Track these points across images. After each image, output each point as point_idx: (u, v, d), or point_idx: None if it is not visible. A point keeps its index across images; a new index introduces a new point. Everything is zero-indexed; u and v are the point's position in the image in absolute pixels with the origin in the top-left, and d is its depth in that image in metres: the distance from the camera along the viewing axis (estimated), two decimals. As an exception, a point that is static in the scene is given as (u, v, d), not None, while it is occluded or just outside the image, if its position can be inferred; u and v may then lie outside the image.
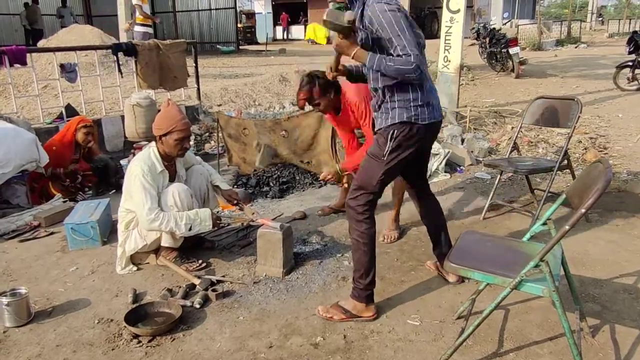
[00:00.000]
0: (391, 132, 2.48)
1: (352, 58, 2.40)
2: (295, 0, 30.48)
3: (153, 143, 3.18)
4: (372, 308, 2.63)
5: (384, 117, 2.53)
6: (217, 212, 3.69)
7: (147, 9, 9.08)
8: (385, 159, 2.51)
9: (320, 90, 3.22)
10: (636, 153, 5.50)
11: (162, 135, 3.08)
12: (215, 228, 3.18)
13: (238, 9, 21.47)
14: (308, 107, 3.48)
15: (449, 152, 5.07)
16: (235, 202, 3.43)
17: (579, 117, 3.71)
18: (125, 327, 2.53)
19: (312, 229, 3.78)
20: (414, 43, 2.30)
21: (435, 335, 2.47)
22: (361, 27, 2.42)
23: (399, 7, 2.38)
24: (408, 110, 2.46)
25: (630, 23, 33.57)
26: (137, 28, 8.97)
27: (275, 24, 32.29)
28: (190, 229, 3.01)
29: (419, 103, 2.46)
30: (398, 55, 2.30)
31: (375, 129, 2.64)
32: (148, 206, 2.95)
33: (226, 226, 3.80)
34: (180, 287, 2.94)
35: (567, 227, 1.88)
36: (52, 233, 3.85)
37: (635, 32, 10.00)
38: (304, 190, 4.69)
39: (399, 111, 2.47)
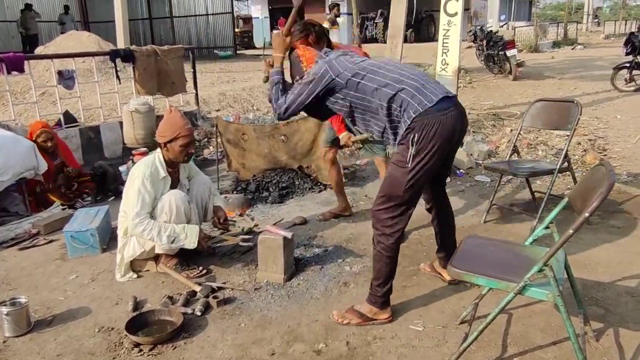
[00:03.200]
0: (411, 137, 2.34)
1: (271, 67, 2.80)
2: (292, 5, 30.51)
3: (158, 149, 3.18)
4: (388, 310, 2.62)
5: (399, 132, 2.42)
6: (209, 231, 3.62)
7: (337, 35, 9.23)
8: (409, 165, 2.36)
9: (316, 37, 3.23)
10: (635, 154, 5.50)
11: (167, 142, 3.08)
12: (202, 248, 3.14)
13: (235, 14, 21.49)
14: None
15: (448, 155, 5.06)
16: (223, 223, 3.38)
17: (579, 119, 3.70)
18: (126, 335, 2.51)
19: (313, 235, 3.76)
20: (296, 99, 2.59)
21: (439, 341, 2.45)
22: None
23: (328, 69, 2.52)
24: (412, 107, 2.34)
25: (626, 24, 33.72)
26: None
27: (272, 28, 32.29)
28: (173, 242, 3.01)
29: (411, 95, 2.36)
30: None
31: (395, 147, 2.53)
32: (137, 210, 2.95)
33: (217, 245, 3.57)
34: (180, 294, 2.92)
35: (570, 232, 1.87)
36: (51, 241, 3.83)
37: (632, 33, 10.05)
38: (303, 195, 4.67)
39: (406, 116, 2.36)
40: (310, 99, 2.56)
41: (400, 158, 2.41)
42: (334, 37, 9.01)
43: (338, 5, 9.44)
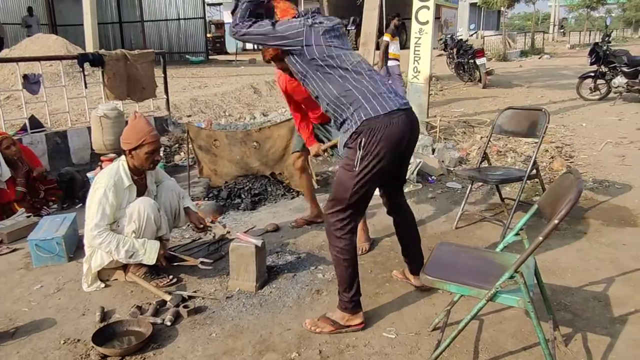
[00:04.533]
0: (359, 141, 2.35)
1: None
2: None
3: (123, 156, 3.10)
4: (360, 315, 2.61)
5: (347, 133, 2.43)
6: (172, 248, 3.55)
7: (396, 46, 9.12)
8: (356, 169, 2.38)
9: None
10: (601, 161, 5.64)
11: (132, 149, 3.01)
12: (161, 265, 3.09)
13: (207, 19, 21.36)
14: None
15: (420, 162, 5.11)
16: (202, 227, 3.36)
17: (547, 127, 3.78)
18: (93, 347, 2.45)
19: (285, 242, 3.74)
20: (255, 34, 2.49)
21: (411, 348, 2.45)
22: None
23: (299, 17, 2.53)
24: (363, 109, 2.36)
25: (590, 35, 34.77)
26: (391, 63, 9.02)
27: (244, 34, 32.17)
28: (131, 257, 2.96)
29: (366, 99, 2.37)
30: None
31: (344, 146, 2.51)
32: (95, 222, 2.89)
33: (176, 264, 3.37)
34: (150, 304, 2.85)
35: (540, 239, 1.90)
36: (15, 250, 3.71)
37: (596, 43, 10.33)
38: (276, 202, 4.65)
39: (356, 116, 2.37)
40: (268, 44, 2.58)
41: (348, 162, 2.43)
42: (392, 47, 8.83)
43: (399, 14, 9.27)
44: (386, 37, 8.92)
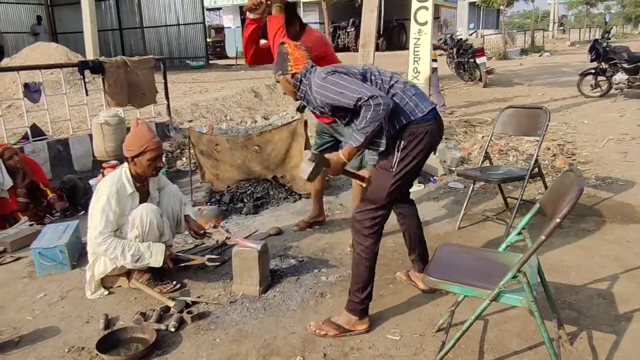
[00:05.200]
0: (399, 143, 2.44)
1: (349, 160, 2.49)
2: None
3: (125, 163, 3.11)
4: (366, 321, 2.62)
5: (382, 136, 2.46)
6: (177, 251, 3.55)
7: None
8: (394, 169, 2.46)
9: (287, 22, 3.29)
10: (603, 158, 5.62)
11: (134, 157, 3.01)
12: (167, 267, 3.09)
13: (207, 24, 21.40)
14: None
15: (422, 162, 5.09)
16: (201, 234, 3.36)
17: (548, 125, 3.77)
18: (97, 355, 2.45)
19: (288, 245, 3.74)
20: (360, 86, 2.33)
21: (416, 350, 2.45)
22: (317, 105, 2.53)
23: (338, 70, 2.43)
24: (402, 114, 2.42)
25: (590, 31, 34.74)
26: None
27: (244, 37, 32.26)
28: (137, 261, 2.95)
29: (404, 102, 2.43)
30: (360, 108, 2.31)
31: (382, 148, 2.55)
32: (99, 229, 2.89)
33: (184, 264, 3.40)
34: (154, 310, 2.85)
35: (542, 238, 1.89)
36: (18, 258, 3.72)
37: (596, 40, 10.31)
38: (278, 206, 4.64)
39: (395, 121, 2.43)
40: (350, 81, 2.38)
41: (385, 163, 2.50)
42: None
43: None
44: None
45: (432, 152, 2.79)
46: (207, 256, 3.27)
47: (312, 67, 2.56)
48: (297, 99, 2.72)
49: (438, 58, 9.42)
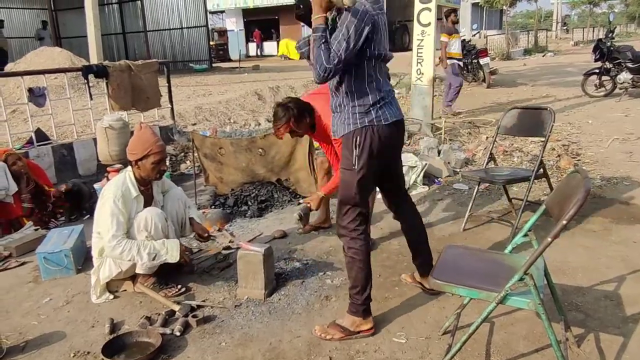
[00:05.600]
0: (354, 139, 2.48)
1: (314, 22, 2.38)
2: (267, 17, 30.64)
3: (129, 167, 3.11)
4: (370, 321, 2.61)
5: (345, 123, 2.51)
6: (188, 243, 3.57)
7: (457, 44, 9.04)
8: (355, 167, 2.50)
9: (297, 119, 3.16)
10: (608, 158, 5.60)
11: (138, 160, 3.02)
12: (184, 261, 3.10)
13: (210, 27, 21.46)
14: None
15: (426, 164, 5.09)
16: (206, 237, 3.36)
17: (553, 125, 3.75)
18: (102, 359, 2.44)
19: (293, 248, 3.73)
20: (342, 49, 2.29)
21: (422, 353, 2.43)
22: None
23: (365, 18, 2.33)
24: (369, 114, 2.47)
25: (593, 31, 34.65)
26: (450, 62, 8.97)
27: (247, 40, 32.37)
28: (154, 259, 2.95)
29: (379, 105, 2.48)
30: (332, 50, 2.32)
31: (337, 136, 2.60)
32: (112, 232, 2.88)
33: (198, 257, 3.61)
34: (159, 314, 2.85)
35: (549, 240, 1.88)
36: (23, 263, 3.71)
37: (600, 40, 10.28)
38: (283, 208, 4.64)
39: (359, 116, 2.48)
40: (358, 40, 2.31)
41: (346, 162, 2.55)
42: (454, 46, 8.82)
43: (455, 10, 9.21)
44: (443, 38, 8.76)
45: (392, 150, 2.76)
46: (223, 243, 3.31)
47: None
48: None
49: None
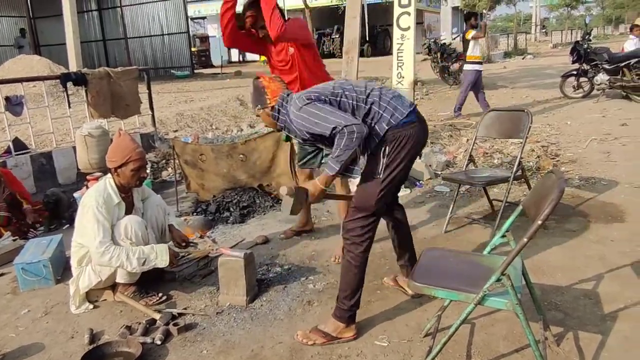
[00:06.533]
0: (383, 148, 2.45)
1: (326, 186, 2.51)
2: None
3: (109, 174, 3.08)
4: (353, 328, 2.61)
5: (370, 144, 2.49)
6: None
7: (477, 47, 8.70)
8: (381, 176, 2.47)
9: None
10: (586, 159, 5.68)
11: (118, 167, 2.99)
12: (173, 265, 3.07)
13: (191, 33, 21.37)
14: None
15: (407, 167, 5.11)
16: (184, 245, 3.33)
17: (530, 127, 3.80)
18: (82, 370, 2.41)
19: (275, 253, 3.72)
20: (335, 115, 2.35)
21: (404, 356, 2.44)
22: (297, 134, 2.57)
23: (312, 97, 2.44)
24: (384, 120, 2.45)
25: (571, 33, 35.20)
26: (468, 67, 8.74)
27: (229, 46, 32.25)
28: (143, 264, 2.91)
29: (384, 108, 2.46)
30: (334, 136, 2.35)
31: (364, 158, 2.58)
32: (99, 239, 2.84)
33: (185, 260, 3.62)
34: (140, 323, 2.81)
35: (525, 240, 1.90)
36: (1, 274, 3.66)
37: (577, 42, 10.44)
38: (265, 214, 4.63)
39: (377, 128, 2.45)
40: (327, 111, 2.39)
41: (372, 170, 2.50)
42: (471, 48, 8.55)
43: (475, 14, 9.11)
44: (471, 34, 8.58)
45: (418, 155, 2.81)
46: (209, 246, 3.32)
47: (287, 95, 2.60)
48: (279, 130, 2.77)
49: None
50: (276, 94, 2.60)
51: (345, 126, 2.30)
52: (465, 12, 9.02)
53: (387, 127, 2.44)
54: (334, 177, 2.48)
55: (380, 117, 2.45)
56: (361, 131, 2.32)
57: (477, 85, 8.72)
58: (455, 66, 11.95)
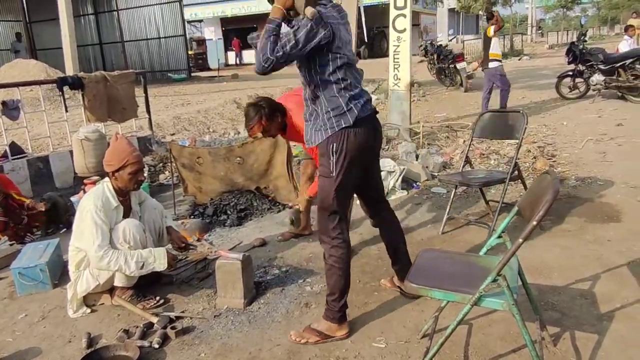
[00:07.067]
0: (330, 145, 2.48)
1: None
2: (245, 25, 30.61)
3: (106, 178, 3.08)
4: (345, 326, 2.63)
5: (321, 129, 2.50)
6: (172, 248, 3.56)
7: (498, 45, 8.60)
8: (333, 174, 2.50)
9: (269, 118, 3.16)
10: (582, 159, 5.70)
11: (115, 171, 2.99)
12: (172, 268, 3.08)
13: (188, 36, 21.38)
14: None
15: (404, 169, 5.13)
16: (183, 246, 3.34)
17: (526, 128, 3.81)
18: (79, 374, 2.41)
19: (273, 256, 3.72)
20: (290, 45, 2.30)
21: (402, 357, 2.44)
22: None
23: (321, 23, 2.34)
24: (344, 117, 2.46)
25: (567, 34, 35.30)
26: (492, 64, 8.61)
27: (226, 49, 32.30)
28: (142, 268, 2.92)
29: (352, 107, 2.46)
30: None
31: (312, 145, 2.59)
32: (98, 243, 2.84)
33: (183, 263, 3.63)
34: (137, 327, 2.81)
35: (520, 241, 1.91)
36: (-2, 279, 3.65)
37: (572, 43, 10.47)
38: (262, 216, 4.63)
39: (335, 120, 2.47)
40: (306, 50, 2.33)
41: (324, 169, 2.54)
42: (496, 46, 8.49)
43: (492, 12, 9.03)
44: (492, 30, 8.47)
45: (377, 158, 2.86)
46: (208, 247, 3.40)
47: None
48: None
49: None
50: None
51: (269, 56, 2.29)
52: (486, 14, 8.88)
53: (337, 128, 2.46)
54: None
55: (341, 113, 2.46)
56: (259, 66, 2.34)
57: (502, 82, 8.59)
58: (474, 65, 11.82)
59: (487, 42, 8.74)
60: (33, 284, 3.37)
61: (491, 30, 8.57)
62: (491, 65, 8.65)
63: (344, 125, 2.46)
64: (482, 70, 8.92)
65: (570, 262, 3.29)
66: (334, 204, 2.54)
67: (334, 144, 2.47)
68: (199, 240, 4.01)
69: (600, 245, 3.51)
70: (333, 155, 2.48)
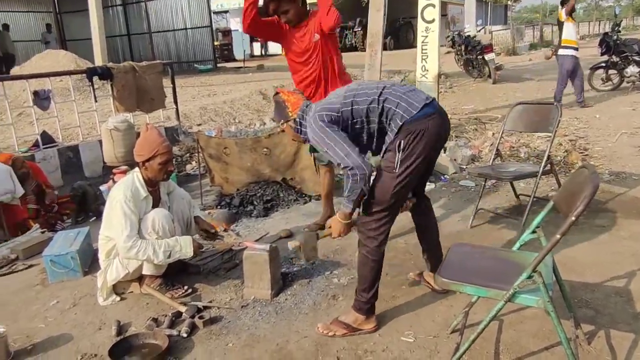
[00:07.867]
0: (398, 142, 2.40)
1: (346, 220, 2.58)
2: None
3: (136, 168, 3.11)
4: (373, 320, 2.61)
5: (386, 141, 2.49)
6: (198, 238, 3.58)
7: (573, 30, 8.07)
8: (397, 170, 2.42)
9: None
10: (616, 153, 5.55)
11: (145, 161, 3.01)
12: (197, 256, 3.10)
13: (214, 27, 21.45)
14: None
15: (432, 161, 5.06)
16: (213, 232, 3.35)
17: (559, 121, 3.71)
18: (109, 362, 2.44)
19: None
20: (342, 149, 2.38)
21: (431, 352, 2.41)
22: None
23: (324, 118, 2.44)
24: (397, 114, 2.41)
25: (599, 25, 34.41)
26: (562, 51, 8.18)
27: (252, 40, 32.32)
28: (169, 257, 2.94)
29: (396, 104, 2.42)
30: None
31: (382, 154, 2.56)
32: (127, 233, 2.87)
33: (210, 253, 3.66)
34: (166, 315, 2.84)
35: (558, 237, 1.85)
36: (30, 266, 3.73)
37: (606, 33, 10.19)
38: (288, 208, 4.62)
39: (393, 126, 2.43)
40: (346, 141, 2.42)
41: (388, 164, 2.45)
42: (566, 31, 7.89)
43: None
44: (564, 18, 7.93)
45: (443, 149, 2.77)
46: (234, 238, 3.40)
47: (307, 106, 2.64)
48: (304, 142, 2.80)
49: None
50: (296, 106, 2.64)
51: (350, 168, 2.36)
52: None
53: (401, 123, 2.39)
54: (352, 213, 2.53)
55: (394, 113, 2.41)
56: (363, 173, 2.36)
57: (575, 73, 8.17)
58: (549, 53, 11.32)
59: (560, 26, 8.23)
60: (64, 272, 3.42)
61: (563, 13, 8.06)
62: (561, 52, 8.14)
63: (407, 118, 2.41)
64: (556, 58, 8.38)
65: (604, 259, 3.21)
66: (390, 201, 2.46)
67: (401, 142, 2.40)
68: (225, 230, 4.05)
69: (635, 242, 3.41)
70: (400, 152, 2.40)
